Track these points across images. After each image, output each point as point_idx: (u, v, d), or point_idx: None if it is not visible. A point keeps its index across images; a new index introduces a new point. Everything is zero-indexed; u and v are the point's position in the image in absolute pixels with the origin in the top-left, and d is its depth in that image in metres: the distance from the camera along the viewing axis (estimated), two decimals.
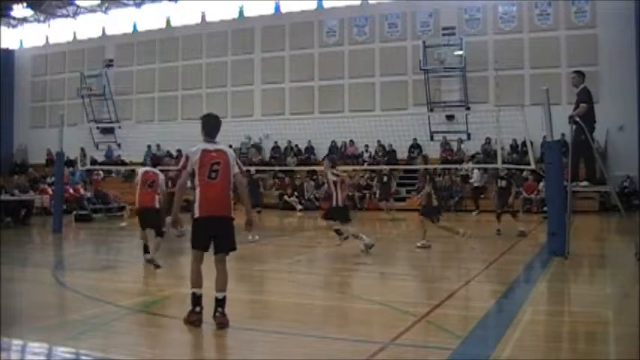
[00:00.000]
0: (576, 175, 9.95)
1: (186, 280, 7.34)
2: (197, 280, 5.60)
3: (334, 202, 10.73)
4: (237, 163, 5.82)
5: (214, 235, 5.60)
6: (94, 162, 26.97)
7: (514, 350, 4.68)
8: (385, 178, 19.86)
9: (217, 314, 5.43)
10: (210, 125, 5.84)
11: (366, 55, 26.19)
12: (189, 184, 6.00)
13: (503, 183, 13.42)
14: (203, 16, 29.60)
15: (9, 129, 33.03)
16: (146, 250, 9.32)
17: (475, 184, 21.85)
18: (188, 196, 6.94)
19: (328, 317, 5.95)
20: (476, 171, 21.74)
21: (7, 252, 10.62)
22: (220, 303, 5.45)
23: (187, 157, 5.67)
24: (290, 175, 25.09)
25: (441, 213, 11.72)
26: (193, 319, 5.51)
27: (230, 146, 25.72)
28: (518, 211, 14.41)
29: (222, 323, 5.36)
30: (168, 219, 13.34)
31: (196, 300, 5.55)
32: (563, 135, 14.71)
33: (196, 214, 5.62)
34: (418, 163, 12.22)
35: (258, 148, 26.95)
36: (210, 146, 5.70)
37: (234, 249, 5.77)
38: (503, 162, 14.82)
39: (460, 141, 23.90)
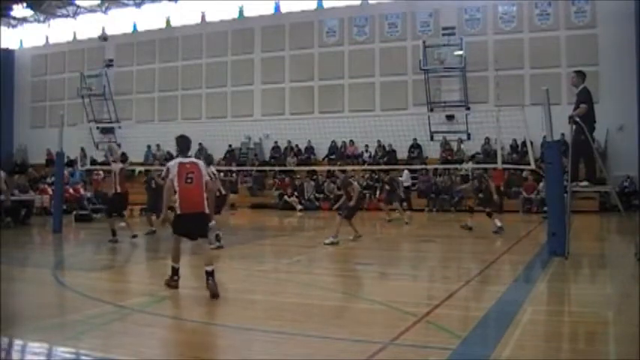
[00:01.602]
0: (576, 175, 9.94)
1: (185, 281, 7.35)
2: (176, 257, 7.08)
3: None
4: (207, 173, 7.33)
5: (192, 226, 6.94)
6: (93, 162, 26.97)
7: (514, 350, 4.68)
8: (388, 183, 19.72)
9: (209, 283, 6.63)
10: (184, 145, 7.39)
11: (366, 55, 26.20)
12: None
13: (476, 182, 13.88)
14: (203, 16, 29.61)
15: (9, 129, 33.05)
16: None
17: (405, 184, 22.24)
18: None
19: (328, 317, 5.94)
20: (406, 172, 22.04)
21: (7, 252, 10.60)
22: (210, 274, 6.65)
23: (168, 169, 7.17)
24: (290, 175, 25.10)
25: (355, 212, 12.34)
26: (172, 284, 7.02)
27: (229, 146, 25.58)
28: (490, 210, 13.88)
29: (213, 290, 6.57)
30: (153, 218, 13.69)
31: (175, 271, 7.04)
32: (563, 135, 14.72)
33: (178, 211, 7.00)
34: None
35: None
36: (185, 160, 7.19)
37: (205, 236, 7.22)
38: (503, 162, 14.88)
39: (460, 141, 23.90)
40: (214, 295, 6.49)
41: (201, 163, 7.30)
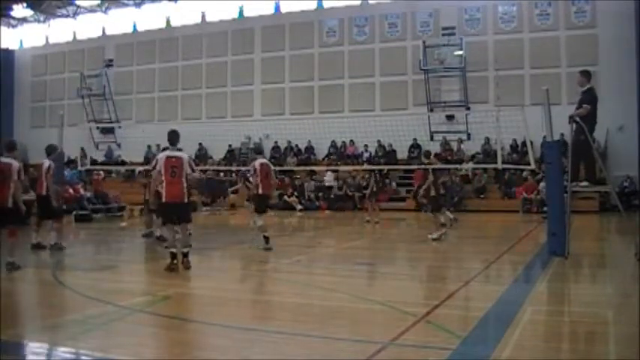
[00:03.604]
0: (576, 175, 9.92)
1: (186, 281, 7.35)
2: (171, 243, 8.39)
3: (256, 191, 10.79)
4: (190, 166, 8.31)
5: (176, 213, 8.30)
6: (93, 162, 26.96)
7: (514, 350, 4.68)
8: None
9: (184, 261, 8.21)
10: (172, 137, 8.46)
11: (366, 55, 26.20)
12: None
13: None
14: (203, 16, 29.62)
15: (9, 129, 33.02)
16: None
17: (327, 184, 23.35)
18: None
19: (328, 317, 5.94)
20: (329, 172, 22.14)
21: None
22: (185, 254, 8.25)
23: (157, 161, 8.37)
24: (290, 175, 25.09)
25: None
26: (172, 268, 8.12)
27: (229, 146, 25.51)
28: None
29: (187, 266, 8.22)
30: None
31: (173, 255, 8.18)
32: (563, 135, 14.71)
33: (163, 200, 8.30)
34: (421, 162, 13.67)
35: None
36: (171, 153, 8.28)
37: (190, 221, 8.58)
38: (503, 162, 14.89)
39: (460, 141, 23.90)
40: (187, 268, 8.16)
41: (185, 157, 8.33)
